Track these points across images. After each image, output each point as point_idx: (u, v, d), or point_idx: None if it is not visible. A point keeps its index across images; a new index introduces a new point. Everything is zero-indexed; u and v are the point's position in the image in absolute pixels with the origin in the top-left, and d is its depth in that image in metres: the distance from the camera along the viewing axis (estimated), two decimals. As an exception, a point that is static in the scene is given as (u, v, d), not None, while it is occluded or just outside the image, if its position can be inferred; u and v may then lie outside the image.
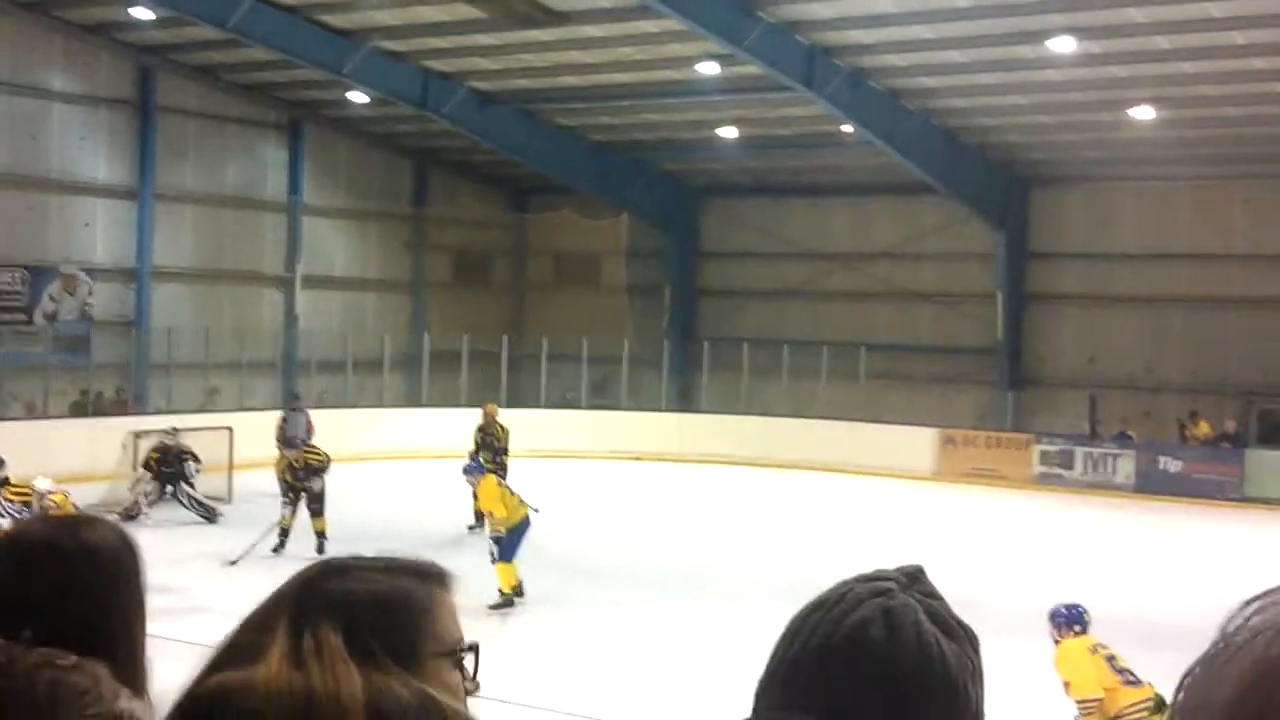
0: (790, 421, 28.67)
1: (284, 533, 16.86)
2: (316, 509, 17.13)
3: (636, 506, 22.88)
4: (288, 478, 17.05)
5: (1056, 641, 9.27)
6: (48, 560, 1.77)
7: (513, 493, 15.03)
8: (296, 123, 31.25)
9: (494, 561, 14.54)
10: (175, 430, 20.67)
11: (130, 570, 1.85)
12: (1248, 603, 0.89)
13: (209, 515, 19.72)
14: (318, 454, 17.68)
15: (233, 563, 16.08)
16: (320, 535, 16.88)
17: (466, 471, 15.97)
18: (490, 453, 19.41)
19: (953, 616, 1.35)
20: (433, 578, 1.35)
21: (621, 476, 26.23)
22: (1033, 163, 29.33)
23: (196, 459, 20.16)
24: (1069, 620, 9.31)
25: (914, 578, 1.37)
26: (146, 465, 20.08)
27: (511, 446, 20.59)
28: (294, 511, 17.00)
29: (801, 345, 29.90)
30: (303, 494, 17.06)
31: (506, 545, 14.61)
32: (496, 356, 30.87)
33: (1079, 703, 9.07)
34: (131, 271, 28.43)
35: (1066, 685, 9.12)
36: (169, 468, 19.92)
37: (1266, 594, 0.89)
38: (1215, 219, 28.16)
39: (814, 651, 1.32)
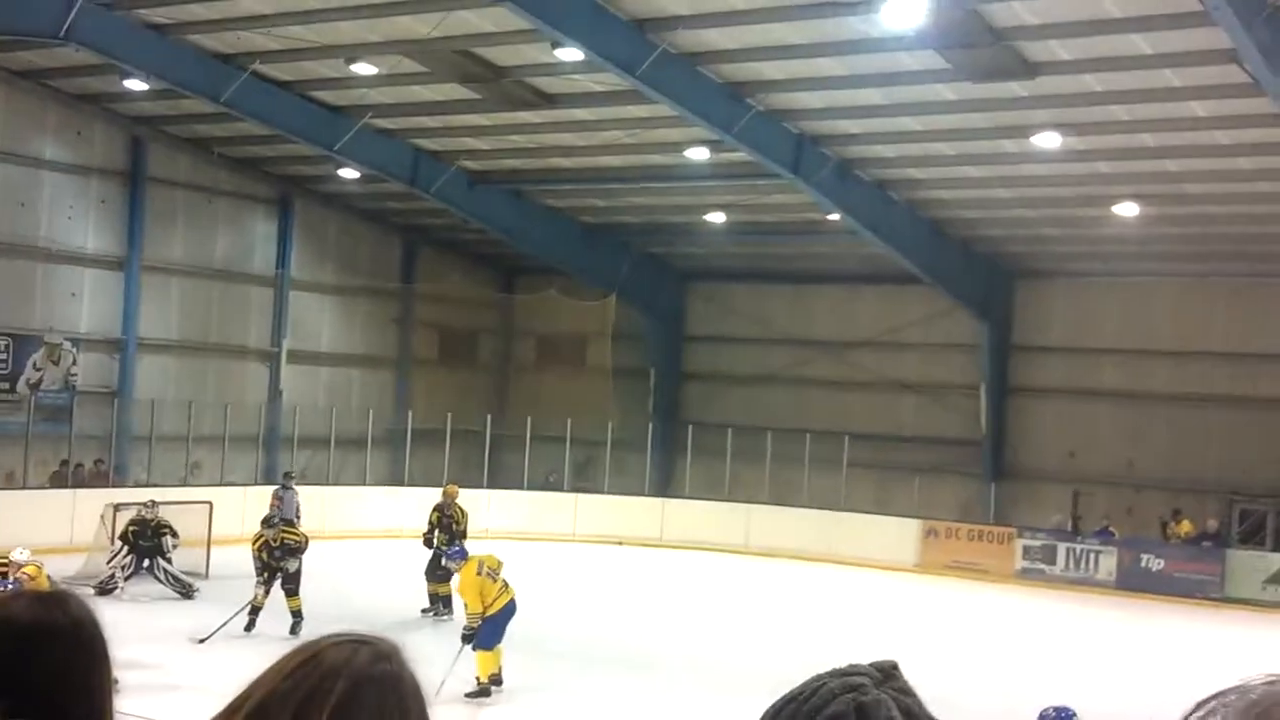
0: (772, 509, 28.57)
1: (255, 611, 16.65)
2: (291, 589, 16.94)
3: (617, 592, 22.70)
4: (263, 556, 16.86)
5: None
6: (16, 637, 1.76)
7: (495, 579, 14.69)
8: (286, 197, 31.38)
9: (474, 649, 14.32)
10: (154, 503, 20.44)
11: (97, 648, 1.83)
12: (1200, 703, 0.87)
13: (185, 591, 19.48)
14: (295, 534, 17.54)
15: (202, 641, 15.85)
16: (296, 615, 16.69)
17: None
18: (447, 535, 18.95)
19: (926, 715, 1.31)
20: (383, 650, 1.40)
21: (603, 561, 26.07)
22: (1017, 256, 29.53)
23: (174, 534, 19.91)
24: None
25: (888, 673, 1.33)
26: (123, 538, 19.80)
27: (477, 528, 20.38)
28: (267, 591, 16.78)
29: (784, 432, 29.86)
30: (277, 573, 16.87)
31: (485, 634, 14.31)
32: (480, 436, 30.76)
33: None
34: (117, 342, 28.38)
35: None
36: (146, 541, 19.65)
37: (1217, 695, 0.88)
38: (1197, 316, 28.34)
39: None
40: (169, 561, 19.72)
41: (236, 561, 19.45)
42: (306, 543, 17.45)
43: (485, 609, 14.29)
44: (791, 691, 1.33)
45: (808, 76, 21.02)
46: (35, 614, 1.81)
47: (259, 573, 16.84)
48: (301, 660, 1.42)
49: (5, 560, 13.62)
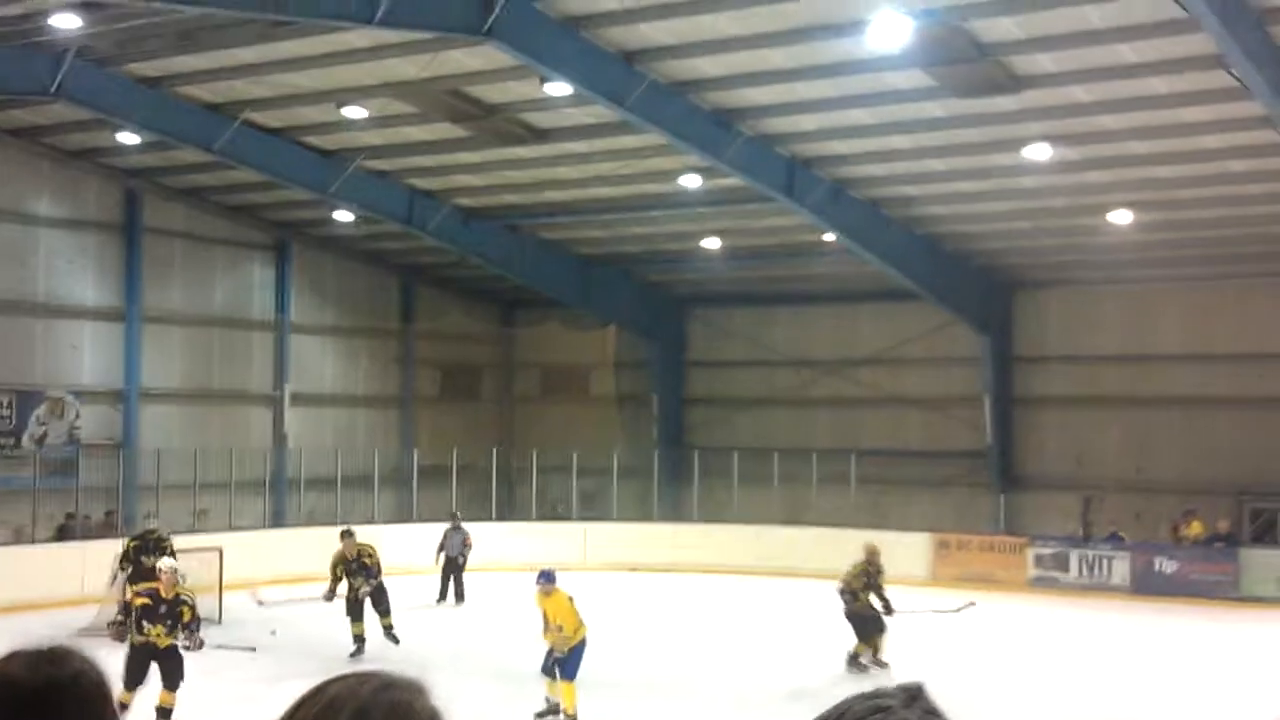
0: (783, 530, 28.54)
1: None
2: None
3: (632, 619, 22.66)
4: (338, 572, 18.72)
5: None
6: (15, 698, 1.75)
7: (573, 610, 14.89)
8: (283, 242, 31.47)
9: (563, 678, 14.49)
10: (151, 515, 20.73)
11: (99, 704, 1.83)
12: None
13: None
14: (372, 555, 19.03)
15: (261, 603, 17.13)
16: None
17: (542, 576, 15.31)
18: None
19: None
20: (417, 690, 1.41)
21: (616, 588, 26.02)
22: (1014, 267, 29.59)
23: (174, 553, 19.90)
24: None
25: (914, 695, 1.34)
26: (125, 557, 19.58)
27: (490, 560, 20.92)
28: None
29: (791, 453, 29.87)
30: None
31: (573, 664, 14.57)
32: (486, 470, 30.77)
33: None
34: (119, 393, 28.43)
35: None
36: (149, 556, 19.54)
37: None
38: (1197, 320, 28.39)
39: None
40: None
41: (249, 606, 19.47)
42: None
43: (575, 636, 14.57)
44: (820, 716, 1.34)
45: (797, 100, 21.11)
46: (34, 671, 1.80)
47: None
48: (307, 696, 1.42)
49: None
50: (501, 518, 29.39)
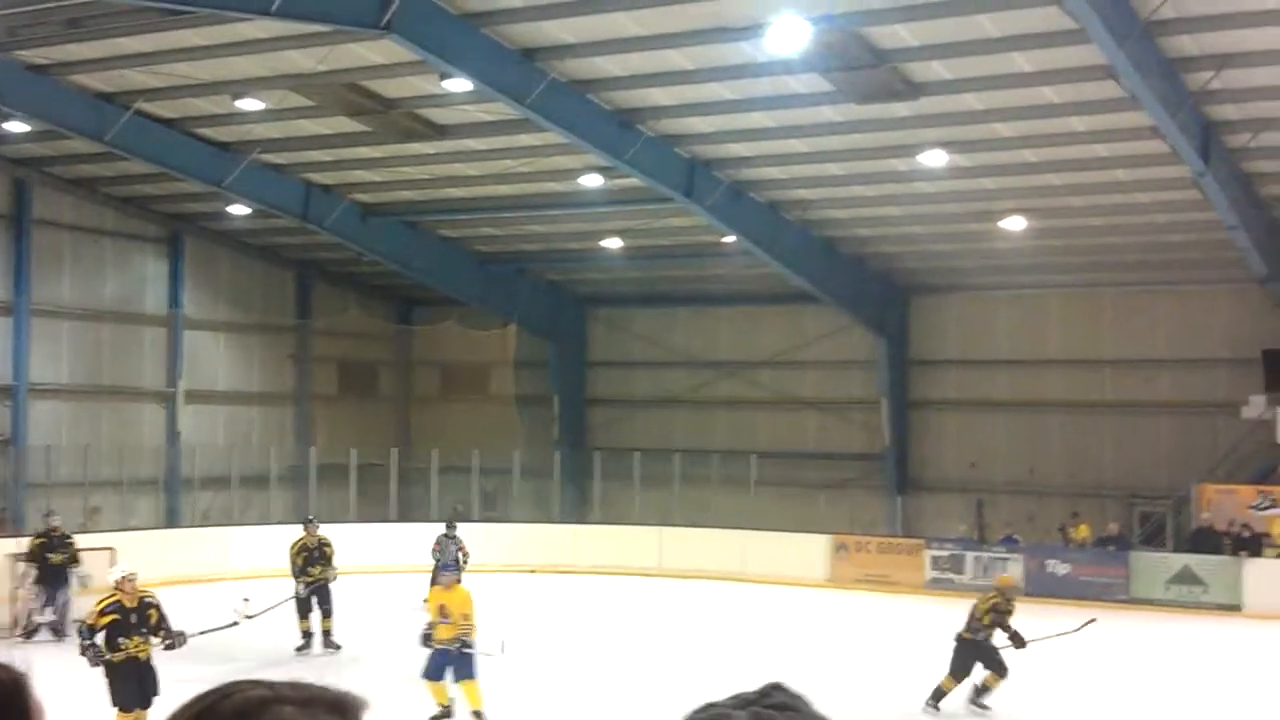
0: (683, 531, 28.58)
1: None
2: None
3: (530, 619, 22.56)
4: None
5: None
6: None
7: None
8: (176, 235, 30.93)
9: (466, 678, 14.29)
10: (51, 513, 20.41)
11: (21, 710, 1.72)
12: None
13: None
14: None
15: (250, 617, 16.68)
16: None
17: (446, 569, 15.23)
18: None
19: None
20: (349, 710, 1.26)
21: (515, 589, 25.90)
22: (910, 271, 29.94)
23: (76, 559, 19.65)
24: None
25: (748, 701, 1.29)
26: (31, 556, 19.45)
27: (389, 564, 20.54)
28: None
29: (692, 454, 29.95)
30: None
31: (470, 660, 14.39)
32: (385, 470, 30.48)
33: None
34: (7, 389, 27.75)
35: None
36: (55, 553, 19.36)
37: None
38: (1087, 325, 28.99)
39: None
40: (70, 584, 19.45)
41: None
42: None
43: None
44: None
45: (697, 101, 21.15)
46: None
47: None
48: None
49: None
50: (401, 519, 29.10)
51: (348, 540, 27.24)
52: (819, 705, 1.32)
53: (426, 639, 14.46)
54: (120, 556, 21.18)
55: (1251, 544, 24.21)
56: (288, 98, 22.43)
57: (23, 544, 20.27)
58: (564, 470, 31.65)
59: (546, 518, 30.46)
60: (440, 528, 23.05)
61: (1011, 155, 22.24)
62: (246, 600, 16.83)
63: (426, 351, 36.22)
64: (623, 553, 28.23)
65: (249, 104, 22.74)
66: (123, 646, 12.79)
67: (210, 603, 18.47)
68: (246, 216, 29.10)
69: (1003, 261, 27.86)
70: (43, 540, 19.73)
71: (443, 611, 14.55)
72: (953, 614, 23.82)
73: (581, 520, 30.50)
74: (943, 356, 30.45)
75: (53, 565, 19.46)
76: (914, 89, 19.55)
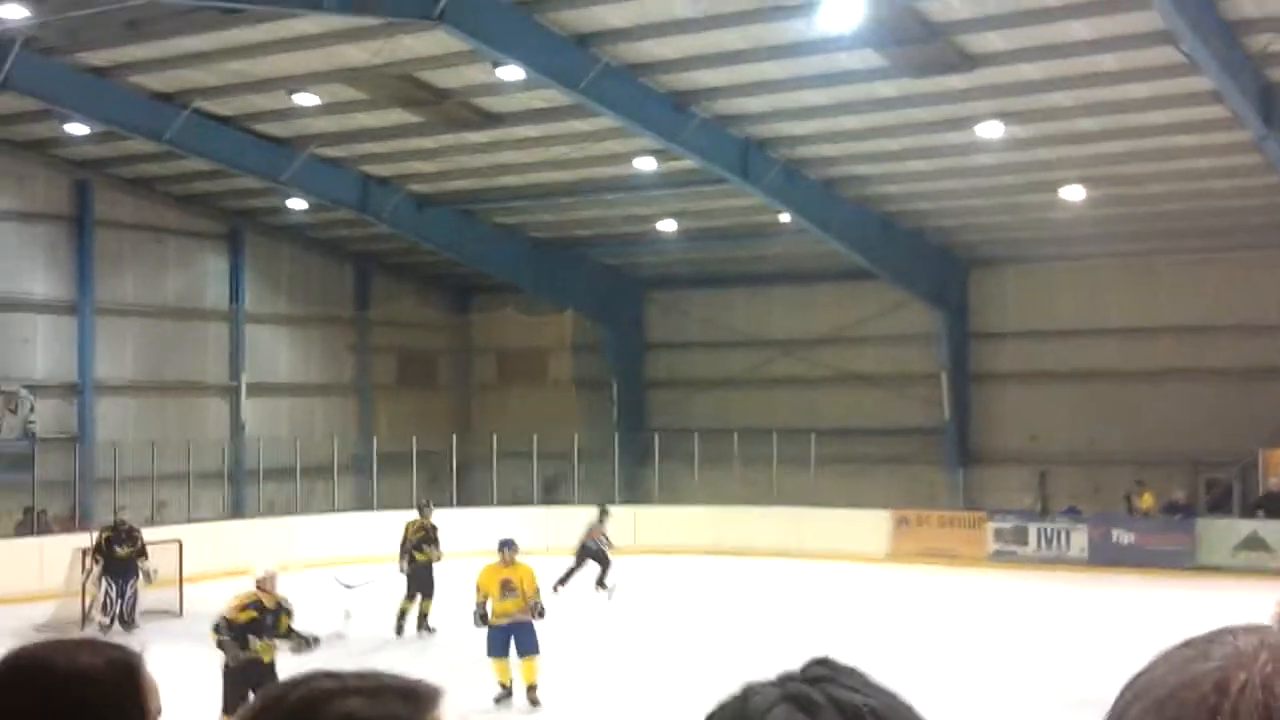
0: (744, 509, 28.64)
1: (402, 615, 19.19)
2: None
3: (595, 601, 22.72)
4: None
5: None
6: (40, 681, 1.75)
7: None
8: (236, 231, 31.24)
9: (529, 653, 14.51)
10: (123, 507, 20.81)
11: (133, 693, 1.81)
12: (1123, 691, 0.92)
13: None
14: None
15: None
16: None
17: (506, 545, 15.36)
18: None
19: (839, 695, 1.12)
20: (422, 699, 1.23)
21: (579, 572, 26.05)
22: (969, 244, 29.77)
23: (144, 553, 19.98)
24: None
25: (804, 668, 1.16)
26: (98, 550, 19.79)
27: (457, 547, 21.09)
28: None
29: (751, 433, 29.96)
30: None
31: (532, 634, 14.70)
32: (446, 456, 30.71)
33: None
34: (74, 386, 28.18)
35: None
36: (122, 547, 19.69)
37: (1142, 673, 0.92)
38: (1147, 293, 28.71)
39: None
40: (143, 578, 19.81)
41: (210, 597, 19.34)
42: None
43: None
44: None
45: (749, 81, 21.12)
46: (69, 659, 1.79)
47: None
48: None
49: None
50: (462, 504, 29.31)
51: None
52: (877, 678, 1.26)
53: (483, 618, 14.59)
54: (186, 549, 21.64)
55: (1320, 508, 23.98)
56: (342, 91, 22.61)
57: (92, 539, 20.63)
58: (623, 453, 31.75)
59: (607, 500, 30.54)
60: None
61: (1070, 125, 22.05)
62: (349, 616, 17.16)
63: (484, 339, 36.39)
64: (683, 533, 28.35)
65: (305, 99, 22.94)
66: (251, 646, 12.44)
67: (281, 590, 18.72)
68: (304, 210, 29.34)
69: (1061, 232, 27.63)
70: (109, 534, 20.06)
71: (507, 586, 14.67)
72: (1017, 586, 23.94)
73: (642, 501, 30.60)
74: (1002, 329, 30.26)
75: (119, 558, 19.77)
76: (969, 61, 19.44)
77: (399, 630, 19.28)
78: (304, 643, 12.83)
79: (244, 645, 12.40)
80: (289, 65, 21.54)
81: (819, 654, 1.17)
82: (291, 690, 1.24)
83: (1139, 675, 0.92)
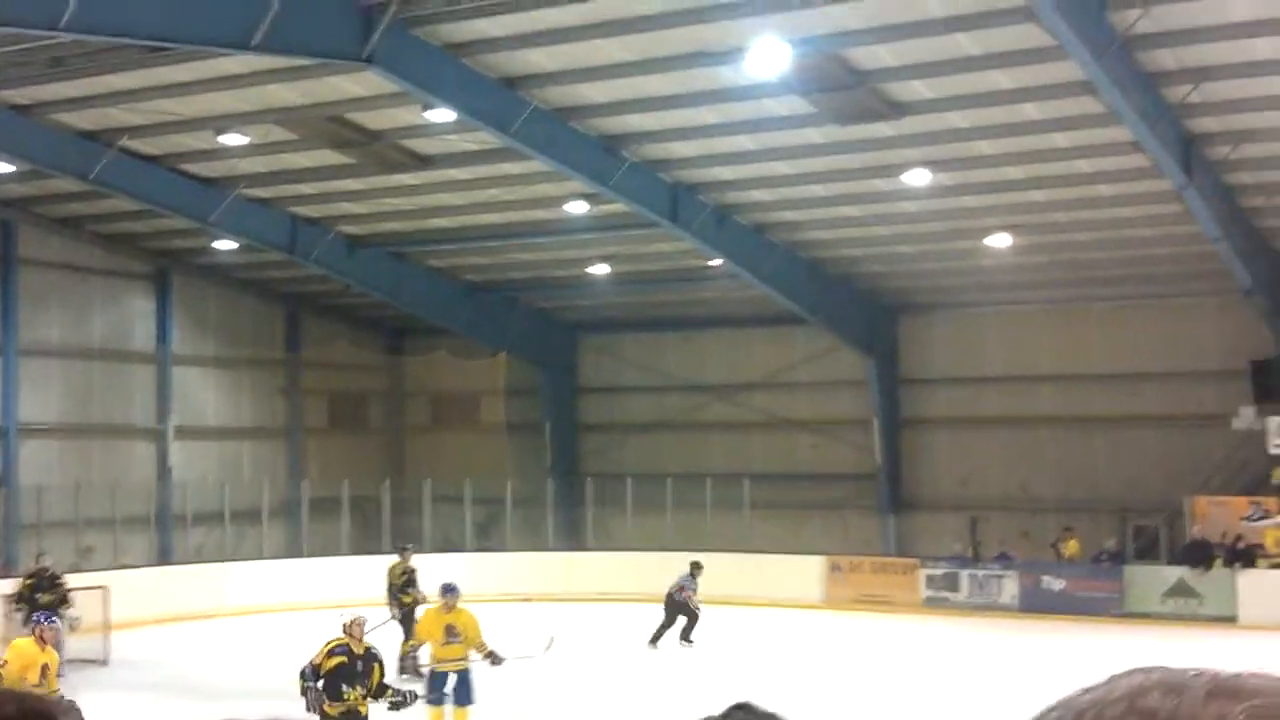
0: (677, 555, 28.32)
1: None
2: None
3: (525, 649, 22.46)
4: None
5: None
6: None
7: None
8: (163, 272, 30.91)
9: (464, 703, 14.26)
10: (43, 553, 20.33)
11: None
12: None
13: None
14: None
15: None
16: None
17: (450, 590, 15.07)
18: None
19: None
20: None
21: (510, 619, 25.79)
22: (898, 291, 29.98)
23: (66, 600, 19.52)
24: None
25: (725, 715, 1.24)
26: (20, 597, 19.34)
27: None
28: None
29: (684, 478, 29.90)
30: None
31: (469, 684, 14.52)
32: (377, 501, 30.40)
33: None
34: (-4, 429, 27.68)
35: None
36: (44, 594, 19.24)
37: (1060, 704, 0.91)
38: (1074, 341, 29.01)
39: None
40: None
41: (139, 645, 19.02)
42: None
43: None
44: None
45: (679, 126, 21.22)
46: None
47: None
48: None
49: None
50: (394, 550, 28.96)
51: (343, 574, 27.25)
52: None
53: (413, 662, 14.34)
54: (113, 595, 21.22)
55: (1244, 555, 24.20)
56: (271, 132, 22.46)
57: (14, 586, 20.19)
58: (557, 498, 31.59)
59: (540, 546, 30.37)
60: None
61: (995, 173, 22.31)
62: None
63: (417, 382, 36.17)
64: (617, 579, 28.13)
65: (233, 139, 22.77)
66: (345, 696, 11.71)
67: (206, 640, 18.42)
68: (233, 251, 29.10)
69: (989, 279, 27.91)
70: (32, 581, 19.66)
71: (450, 632, 14.45)
72: (949, 632, 23.97)
73: (575, 547, 30.42)
74: (932, 375, 30.47)
75: (42, 607, 19.35)
76: (896, 109, 19.62)
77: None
78: (402, 695, 12.27)
79: (336, 695, 11.70)
80: (217, 104, 21.37)
81: (740, 699, 1.15)
82: None
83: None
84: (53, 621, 12.61)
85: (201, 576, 26.13)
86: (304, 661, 17.92)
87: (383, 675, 12.11)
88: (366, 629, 15.47)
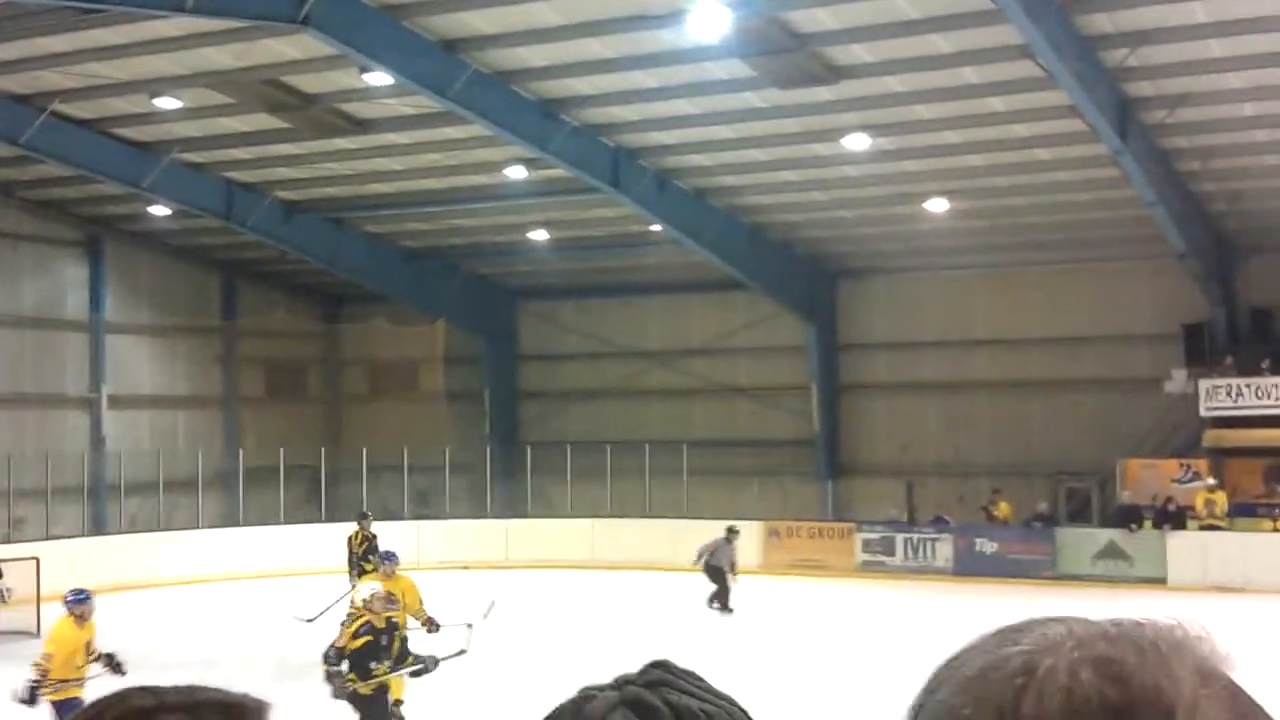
0: (616, 522, 28.59)
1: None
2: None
3: (465, 616, 22.45)
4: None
5: None
6: None
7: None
8: (96, 238, 30.45)
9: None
10: None
11: None
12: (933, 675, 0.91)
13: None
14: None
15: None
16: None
17: (388, 558, 15.23)
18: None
19: (676, 700, 1.18)
20: (246, 714, 1.18)
21: (449, 586, 25.76)
22: (837, 256, 30.11)
23: None
24: None
25: (643, 671, 1.23)
26: None
27: (327, 563, 20.69)
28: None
29: (624, 445, 29.94)
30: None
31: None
32: (315, 470, 30.21)
33: None
34: (-76, 399, 27.22)
35: None
36: None
37: (948, 661, 0.92)
38: (1010, 305, 29.28)
39: None
40: None
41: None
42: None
43: None
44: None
45: (620, 90, 21.17)
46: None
47: None
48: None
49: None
50: (332, 519, 28.84)
51: (280, 543, 27.09)
52: (743, 691, 1.26)
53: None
54: (44, 567, 20.95)
55: (1174, 517, 24.59)
56: (206, 95, 22.18)
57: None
58: (496, 466, 31.54)
59: (479, 513, 30.33)
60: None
61: (933, 137, 22.43)
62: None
63: (355, 350, 35.94)
64: (556, 546, 28.20)
65: (167, 102, 22.46)
66: (375, 672, 11.58)
67: (142, 611, 18.25)
68: (167, 217, 28.74)
69: (927, 243, 28.09)
70: None
71: (390, 599, 14.40)
72: (884, 596, 24.21)
73: (515, 515, 30.41)
74: (871, 340, 30.65)
75: None
76: (835, 73, 19.66)
77: None
78: (422, 665, 12.10)
79: (365, 673, 11.52)
80: (150, 68, 21.06)
81: (658, 657, 1.15)
82: (105, 710, 1.18)
83: (949, 659, 0.94)
84: (84, 599, 12.42)
85: (136, 547, 25.88)
86: (234, 631, 17.88)
87: (403, 643, 12.04)
88: (317, 613, 15.29)
